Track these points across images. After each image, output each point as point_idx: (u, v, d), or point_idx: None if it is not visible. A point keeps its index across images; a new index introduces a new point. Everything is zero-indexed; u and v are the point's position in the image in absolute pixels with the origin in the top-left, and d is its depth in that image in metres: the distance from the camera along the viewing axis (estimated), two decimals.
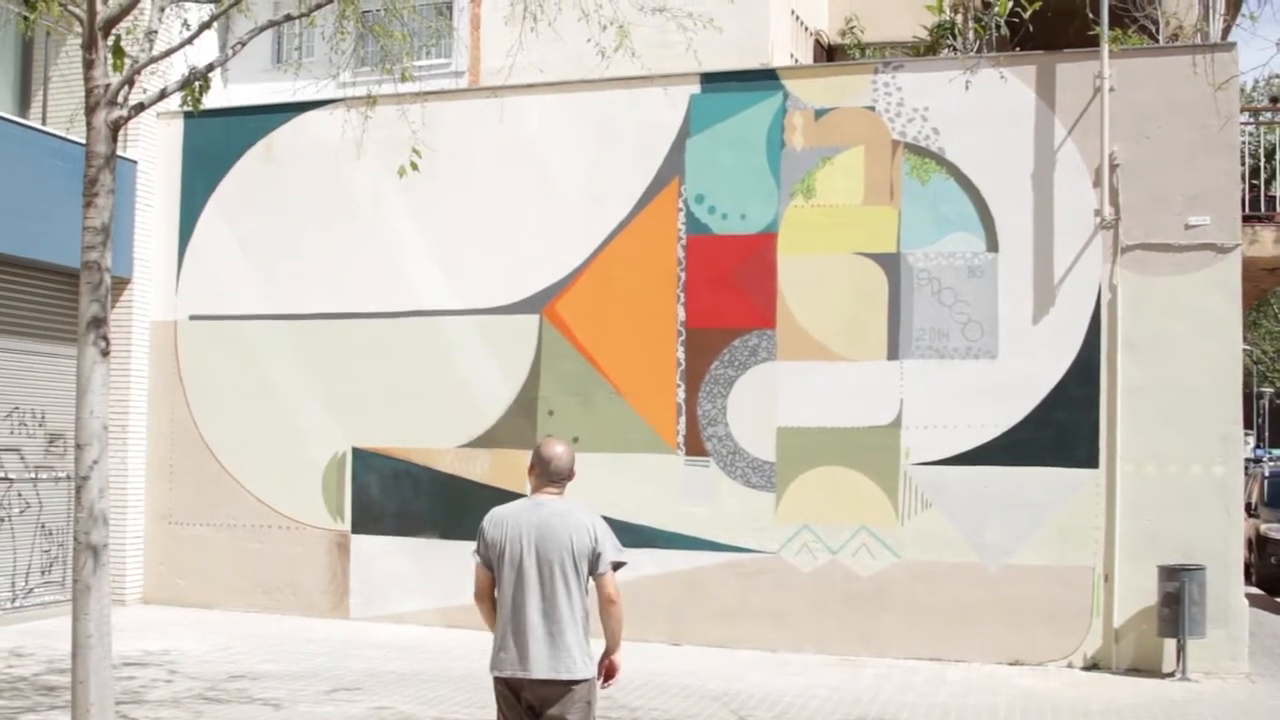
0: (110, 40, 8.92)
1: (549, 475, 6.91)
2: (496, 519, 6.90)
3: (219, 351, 16.96)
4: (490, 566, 6.84)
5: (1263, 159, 17.21)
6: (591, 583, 6.78)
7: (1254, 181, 16.50)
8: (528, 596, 6.66)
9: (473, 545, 7.00)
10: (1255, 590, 20.74)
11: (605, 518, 13.64)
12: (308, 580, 16.37)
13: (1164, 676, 13.35)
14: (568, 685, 6.60)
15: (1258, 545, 22.63)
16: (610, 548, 6.76)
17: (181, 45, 9.54)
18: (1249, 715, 11.69)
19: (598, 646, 6.82)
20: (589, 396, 15.42)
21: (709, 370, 15.05)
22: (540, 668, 6.61)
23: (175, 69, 13.27)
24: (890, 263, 14.58)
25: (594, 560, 6.71)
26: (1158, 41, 16.58)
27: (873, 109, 14.75)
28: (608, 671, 6.91)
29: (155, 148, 17.24)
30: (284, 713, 10.90)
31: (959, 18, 17.82)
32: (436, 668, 13.14)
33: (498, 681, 6.83)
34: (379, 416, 16.20)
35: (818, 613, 14.48)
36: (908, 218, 14.56)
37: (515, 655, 6.69)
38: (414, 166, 11.51)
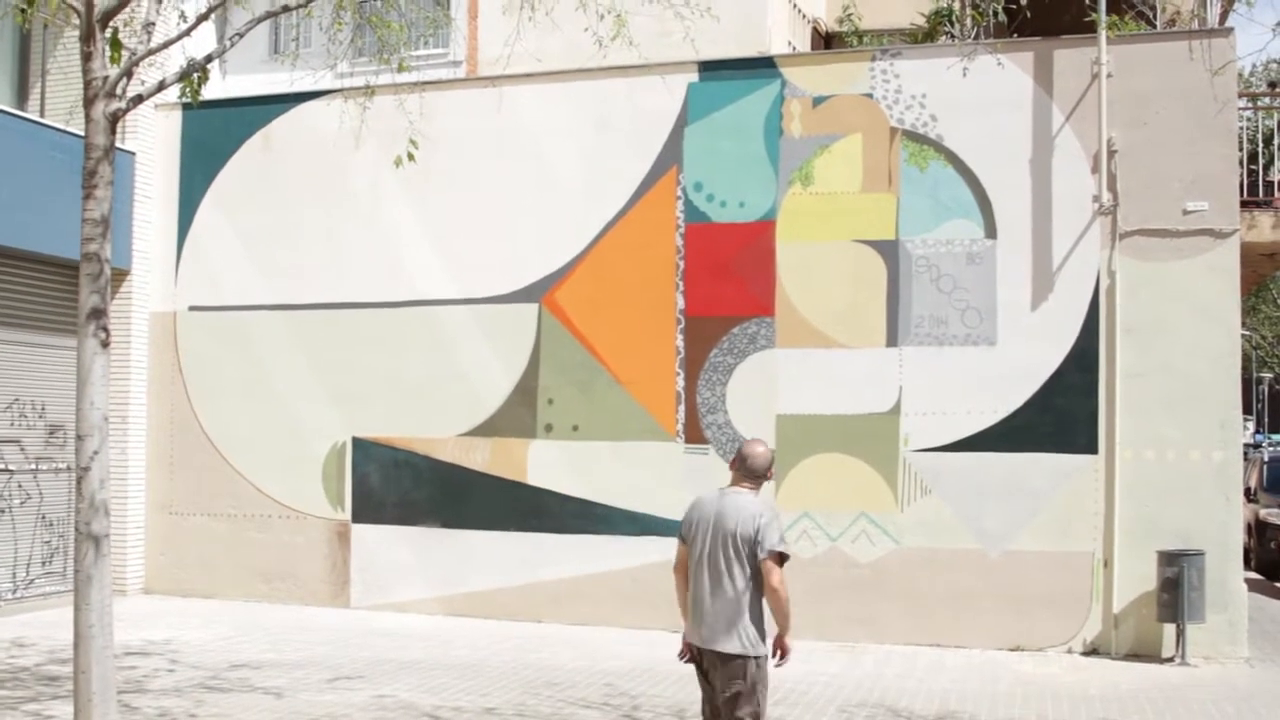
0: (108, 32, 8.91)
1: (744, 470, 7.70)
2: (694, 504, 7.87)
3: (218, 342, 16.98)
4: (687, 544, 7.79)
5: (1260, 144, 17.20)
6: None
7: (1252, 167, 16.50)
8: (704, 576, 7.58)
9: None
10: (1254, 575, 20.76)
11: (605, 505, 13.88)
12: (308, 570, 16.40)
13: (1163, 661, 13.38)
14: (728, 657, 7.42)
15: (1257, 530, 22.65)
16: (772, 538, 7.40)
17: (179, 37, 9.53)
18: (1248, 700, 11.71)
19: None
20: (588, 385, 15.44)
21: (708, 358, 15.07)
22: (708, 639, 7.50)
23: (173, 61, 13.27)
24: (889, 250, 14.59)
25: (755, 548, 7.38)
26: (1155, 27, 16.59)
27: (871, 96, 14.76)
28: (780, 651, 7.59)
29: (154, 139, 17.25)
30: (285, 701, 10.93)
31: (956, 4, 17.82)
32: (437, 656, 13.17)
33: (688, 648, 7.76)
34: (379, 406, 16.21)
35: (818, 600, 14.47)
36: (906, 205, 14.57)
37: (694, 626, 7.65)
38: (410, 157, 11.51)
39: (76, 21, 8.98)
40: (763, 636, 7.48)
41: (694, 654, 7.69)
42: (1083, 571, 13.86)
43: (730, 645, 7.41)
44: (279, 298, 16.75)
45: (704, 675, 7.65)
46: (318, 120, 16.50)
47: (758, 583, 7.44)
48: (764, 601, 7.47)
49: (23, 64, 17.14)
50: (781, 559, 7.44)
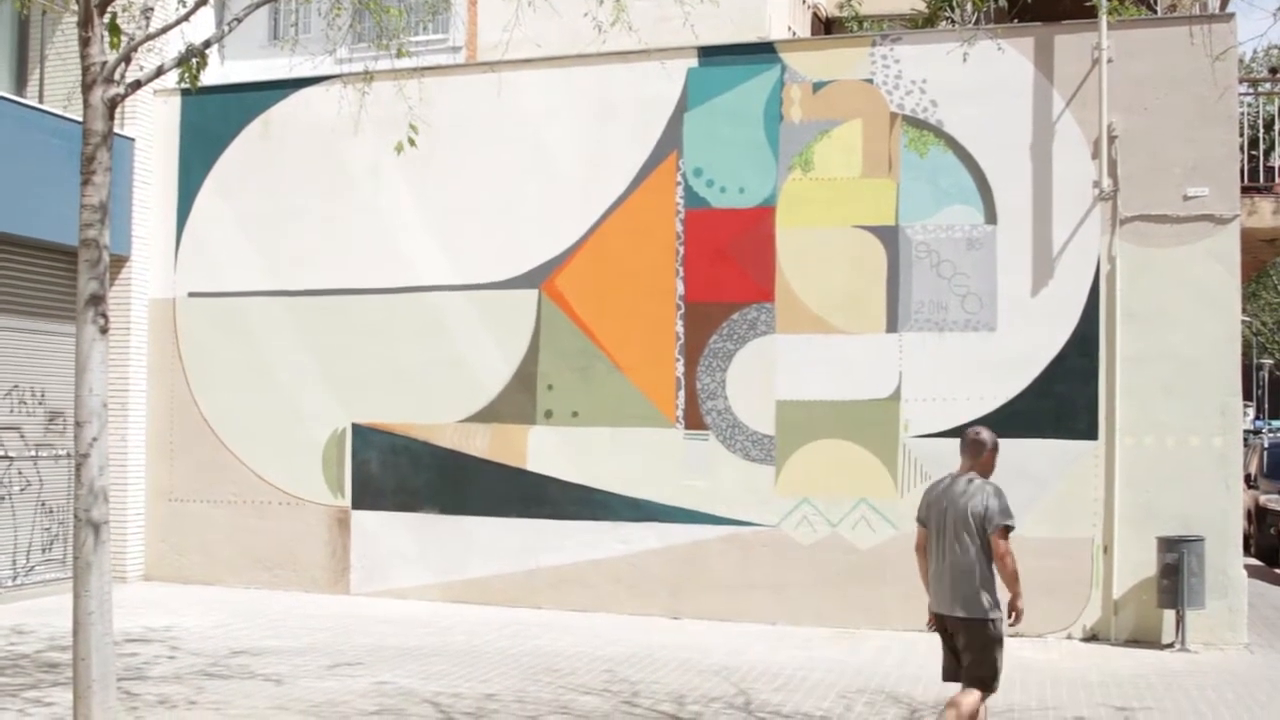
0: (106, 17, 8.88)
1: (969, 455, 8.79)
2: (929, 488, 8.96)
3: (218, 328, 16.96)
4: (924, 526, 8.86)
5: (1261, 130, 17.17)
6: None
7: (1253, 152, 16.48)
8: (940, 551, 8.67)
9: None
10: (1254, 561, 20.79)
11: (604, 491, 14.01)
12: (308, 556, 16.40)
13: (1163, 648, 13.39)
14: (962, 620, 8.55)
15: (1257, 516, 22.68)
16: (998, 515, 8.47)
17: (178, 22, 9.50)
18: (1248, 686, 11.72)
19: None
20: (588, 371, 15.43)
21: (708, 344, 15.05)
22: (944, 605, 8.64)
23: (172, 46, 13.20)
24: (889, 235, 14.57)
25: (984, 524, 8.46)
26: (1156, 12, 16.56)
27: (871, 81, 14.73)
28: (1015, 614, 8.56)
29: (153, 125, 17.22)
30: (285, 688, 10.93)
31: None
32: (437, 642, 13.17)
33: (932, 616, 8.82)
34: (378, 392, 16.20)
35: (818, 585, 14.51)
36: (906, 190, 14.55)
37: (934, 595, 8.74)
38: (411, 143, 11.48)
39: (75, 7, 8.96)
40: (996, 603, 8.53)
41: (937, 619, 8.76)
42: (1083, 557, 13.86)
43: (968, 610, 8.50)
44: (278, 284, 16.73)
45: (948, 638, 8.74)
46: (317, 106, 16.47)
47: (989, 554, 8.50)
48: (994, 570, 8.54)
49: (21, 49, 17.11)
50: (1006, 532, 8.48)
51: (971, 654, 8.57)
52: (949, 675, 8.87)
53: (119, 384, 16.21)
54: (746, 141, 15.06)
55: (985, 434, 8.86)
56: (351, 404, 16.33)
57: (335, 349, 16.42)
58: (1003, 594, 8.58)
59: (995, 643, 8.55)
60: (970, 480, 8.66)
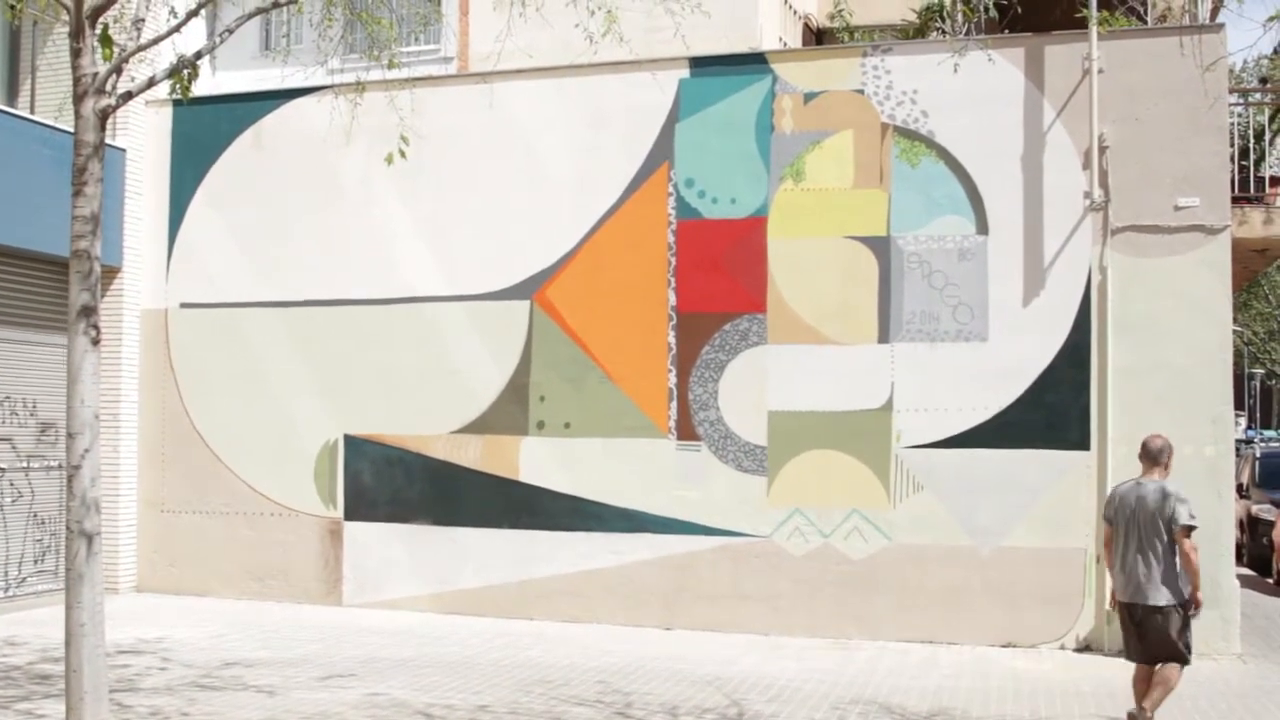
0: (98, 29, 8.89)
1: (1149, 460, 10.21)
2: (1115, 492, 10.37)
3: (209, 339, 16.94)
4: (1111, 524, 10.20)
5: (1252, 140, 17.22)
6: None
7: (1243, 163, 16.53)
8: (1128, 547, 9.97)
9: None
10: (1247, 571, 20.79)
11: (597, 502, 14.08)
12: (301, 567, 16.37)
13: None
14: (1156, 609, 9.85)
15: (1249, 526, 22.65)
16: (1183, 516, 9.78)
17: (169, 33, 9.51)
18: (1241, 696, 11.72)
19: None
20: (580, 382, 15.42)
21: (700, 354, 15.06)
22: (1132, 595, 9.95)
23: (163, 57, 13.23)
24: (880, 246, 14.58)
25: (1170, 523, 9.78)
26: (1146, 23, 16.59)
27: (862, 92, 14.75)
28: (1195, 604, 9.94)
29: (144, 136, 17.20)
30: (278, 699, 10.91)
31: (947, 0, 17.82)
32: (430, 654, 13.16)
33: (1119, 604, 10.16)
34: (370, 403, 16.19)
35: (810, 596, 14.50)
36: (897, 201, 14.56)
37: (1121, 586, 10.03)
38: (402, 154, 11.49)
39: (66, 18, 8.97)
40: (1180, 591, 9.83)
41: (1125, 607, 10.04)
42: (1075, 567, 13.86)
43: (1159, 599, 9.79)
44: (270, 295, 16.72)
45: (1134, 624, 10.00)
46: (309, 117, 16.47)
47: (1173, 549, 9.79)
48: (1178, 563, 9.84)
49: (12, 60, 17.09)
50: (1189, 531, 9.75)
51: (1161, 635, 9.84)
52: (1132, 655, 10.21)
53: (111, 395, 16.20)
54: (738, 152, 15.07)
55: (1160, 441, 10.28)
56: (343, 415, 16.31)
57: (327, 359, 16.40)
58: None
59: (1182, 625, 9.83)
60: (1156, 483, 9.99)
